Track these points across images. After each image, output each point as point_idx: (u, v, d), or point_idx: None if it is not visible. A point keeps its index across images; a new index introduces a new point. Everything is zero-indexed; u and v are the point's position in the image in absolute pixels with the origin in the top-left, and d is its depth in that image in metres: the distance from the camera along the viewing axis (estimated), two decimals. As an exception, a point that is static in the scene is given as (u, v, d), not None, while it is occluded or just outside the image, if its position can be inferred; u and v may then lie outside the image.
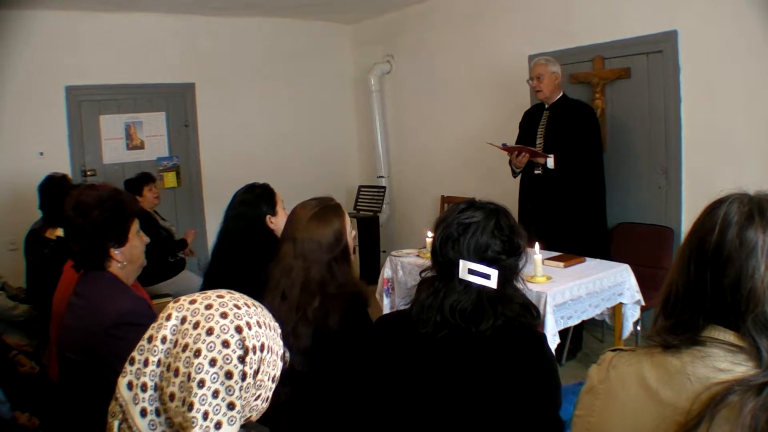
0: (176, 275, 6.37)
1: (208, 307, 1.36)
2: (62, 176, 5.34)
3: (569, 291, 4.28)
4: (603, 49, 6.11)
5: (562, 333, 4.49)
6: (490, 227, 2.15)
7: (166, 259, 6.30)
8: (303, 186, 7.35)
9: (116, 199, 2.72)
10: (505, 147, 5.63)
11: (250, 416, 1.39)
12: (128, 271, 2.74)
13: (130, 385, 1.33)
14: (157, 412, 1.31)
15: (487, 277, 2.11)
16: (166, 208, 7.81)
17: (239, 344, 1.33)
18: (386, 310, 5.15)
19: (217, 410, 1.27)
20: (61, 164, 7.31)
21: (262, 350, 1.37)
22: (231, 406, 1.29)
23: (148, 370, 1.33)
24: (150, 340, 1.35)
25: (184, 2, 7.64)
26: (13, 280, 5.96)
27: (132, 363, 1.34)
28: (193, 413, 1.25)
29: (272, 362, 1.41)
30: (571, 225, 5.42)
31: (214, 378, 1.28)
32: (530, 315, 2.21)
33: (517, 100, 6.76)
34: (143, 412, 1.31)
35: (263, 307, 1.46)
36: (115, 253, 2.65)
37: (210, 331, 1.31)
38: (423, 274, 2.32)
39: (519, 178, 5.80)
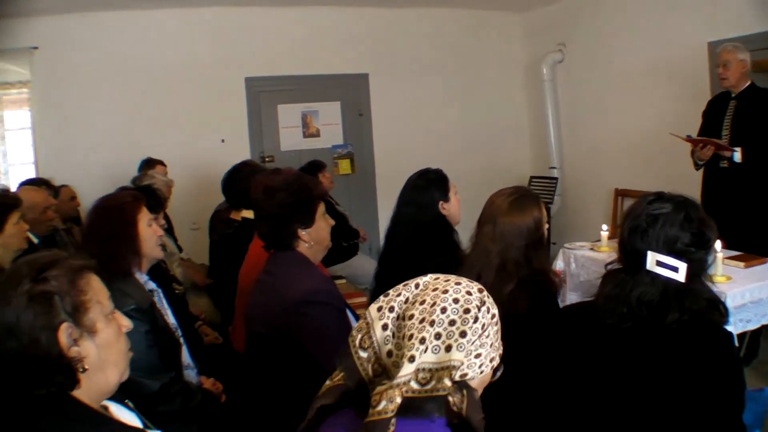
0: (350, 259, 6.54)
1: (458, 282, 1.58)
2: (245, 162, 5.55)
3: (749, 293, 4.05)
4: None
5: (738, 337, 4.27)
6: (679, 219, 2.11)
7: (340, 243, 6.47)
8: (473, 175, 7.43)
9: (302, 182, 2.85)
10: (689, 139, 5.40)
11: (465, 371, 1.51)
12: (315, 251, 2.86)
13: (379, 309, 1.55)
14: (393, 332, 1.53)
15: (675, 269, 2.06)
16: (341, 194, 8.03)
17: (479, 300, 1.54)
18: (557, 303, 5.08)
19: (450, 335, 1.47)
20: (242, 151, 7.73)
21: (492, 318, 1.56)
22: (463, 334, 1.49)
23: (398, 299, 1.55)
24: (405, 285, 1.59)
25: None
26: (195, 257, 6.34)
27: (386, 295, 1.58)
28: (433, 328, 1.47)
29: (490, 342, 1.56)
30: (755, 223, 5.12)
31: (454, 311, 1.49)
32: (718, 312, 2.15)
33: (696, 89, 6.45)
34: (384, 327, 1.52)
35: None
36: (302, 233, 2.77)
37: (458, 282, 1.56)
38: (609, 267, 2.30)
39: (702, 171, 5.56)
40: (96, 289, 1.73)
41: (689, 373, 2.01)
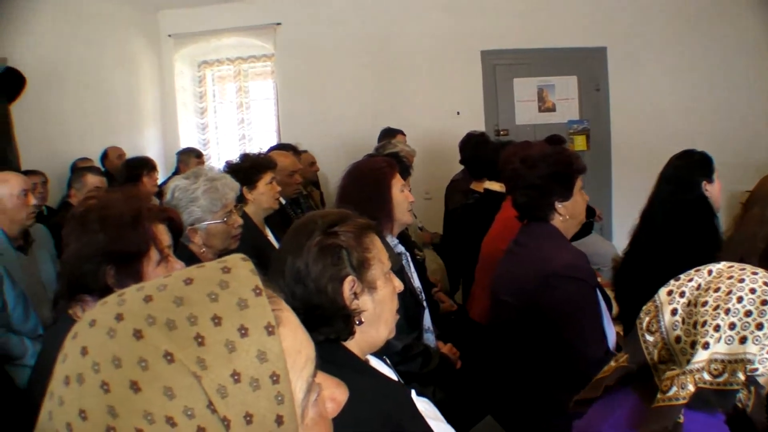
0: (583, 237, 6.41)
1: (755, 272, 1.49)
2: (481, 134, 5.59)
3: None
4: None
5: None
6: None
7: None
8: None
9: (563, 154, 2.83)
10: None
11: (756, 366, 1.42)
12: (569, 225, 2.83)
13: (670, 293, 1.54)
14: (682, 318, 1.50)
15: None
16: (575, 171, 7.87)
17: None
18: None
19: (746, 326, 1.40)
20: (476, 123, 7.71)
21: None
22: (760, 327, 1.40)
23: (689, 284, 1.52)
24: (697, 270, 1.55)
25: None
26: (428, 226, 6.47)
27: (677, 279, 1.56)
28: (728, 316, 1.41)
29: None
30: None
31: (751, 301, 1.41)
32: None
33: None
34: (673, 312, 1.51)
35: None
36: (559, 206, 2.76)
37: (755, 272, 1.47)
38: None
39: None
40: (378, 248, 1.82)
41: None
